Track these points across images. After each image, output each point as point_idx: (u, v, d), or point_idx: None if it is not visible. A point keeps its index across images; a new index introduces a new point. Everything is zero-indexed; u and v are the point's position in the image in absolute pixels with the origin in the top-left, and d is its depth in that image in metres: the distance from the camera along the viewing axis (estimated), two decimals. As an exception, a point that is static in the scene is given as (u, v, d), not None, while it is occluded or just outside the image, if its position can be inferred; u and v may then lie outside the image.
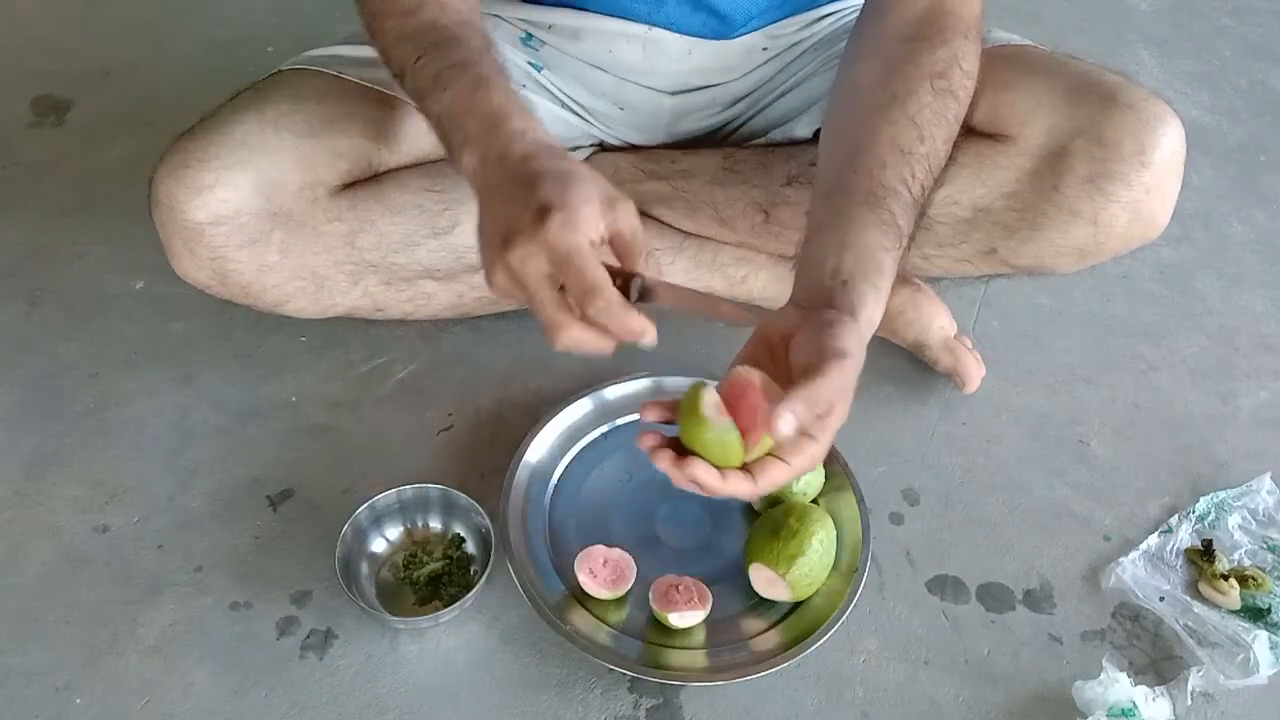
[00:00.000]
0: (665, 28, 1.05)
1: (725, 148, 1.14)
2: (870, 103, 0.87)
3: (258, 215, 0.94)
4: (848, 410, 0.72)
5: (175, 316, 1.19)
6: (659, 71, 1.09)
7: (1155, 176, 0.95)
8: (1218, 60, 1.75)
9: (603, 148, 1.16)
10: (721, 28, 1.06)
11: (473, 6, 0.87)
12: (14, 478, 1.05)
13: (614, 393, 1.10)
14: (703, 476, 0.70)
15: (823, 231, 0.81)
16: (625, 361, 1.13)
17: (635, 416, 1.10)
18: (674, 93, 1.11)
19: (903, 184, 0.82)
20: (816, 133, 1.09)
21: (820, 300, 0.77)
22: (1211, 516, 1.06)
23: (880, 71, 0.88)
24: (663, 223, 1.14)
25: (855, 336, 0.72)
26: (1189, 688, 0.92)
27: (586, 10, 1.06)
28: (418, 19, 0.83)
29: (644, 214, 1.13)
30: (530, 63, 1.09)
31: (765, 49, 1.10)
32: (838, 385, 0.69)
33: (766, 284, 1.17)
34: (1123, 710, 0.88)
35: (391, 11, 0.85)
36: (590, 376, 1.11)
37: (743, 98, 1.13)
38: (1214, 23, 1.84)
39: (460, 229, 1.04)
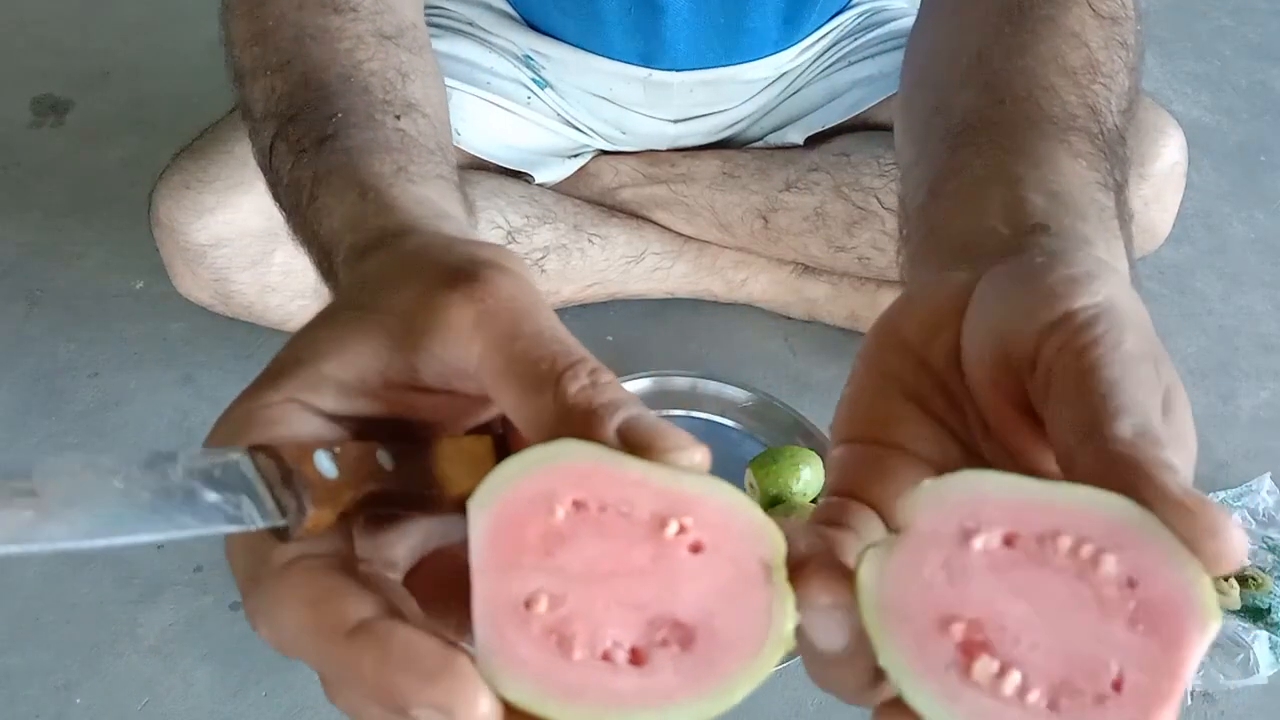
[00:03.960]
0: (668, 70, 1.04)
1: (725, 151, 1.14)
2: (997, 30, 0.53)
3: (260, 237, 0.94)
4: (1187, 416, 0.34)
5: (175, 316, 1.19)
6: (663, 104, 1.08)
7: (1154, 189, 0.92)
8: (1218, 60, 1.75)
9: (602, 152, 1.16)
10: (733, 56, 1.04)
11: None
12: (14, 478, 1.05)
13: (614, 393, 1.09)
14: None
15: (966, 177, 0.46)
16: (625, 361, 1.14)
17: (635, 417, 1.10)
18: (678, 120, 1.11)
19: (1086, 109, 0.48)
20: (809, 139, 1.09)
21: (991, 260, 0.39)
22: (1211, 517, 1.06)
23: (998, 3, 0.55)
24: (663, 227, 1.14)
25: (1105, 270, 0.35)
26: (1189, 688, 0.92)
27: (584, 50, 1.05)
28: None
29: (644, 218, 1.14)
30: (533, 79, 1.08)
31: (773, 77, 1.09)
32: (1132, 356, 0.31)
33: (766, 287, 1.17)
34: (1122, 711, 0.87)
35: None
36: (590, 377, 1.10)
37: (746, 116, 1.12)
38: (1214, 23, 1.83)
39: None
